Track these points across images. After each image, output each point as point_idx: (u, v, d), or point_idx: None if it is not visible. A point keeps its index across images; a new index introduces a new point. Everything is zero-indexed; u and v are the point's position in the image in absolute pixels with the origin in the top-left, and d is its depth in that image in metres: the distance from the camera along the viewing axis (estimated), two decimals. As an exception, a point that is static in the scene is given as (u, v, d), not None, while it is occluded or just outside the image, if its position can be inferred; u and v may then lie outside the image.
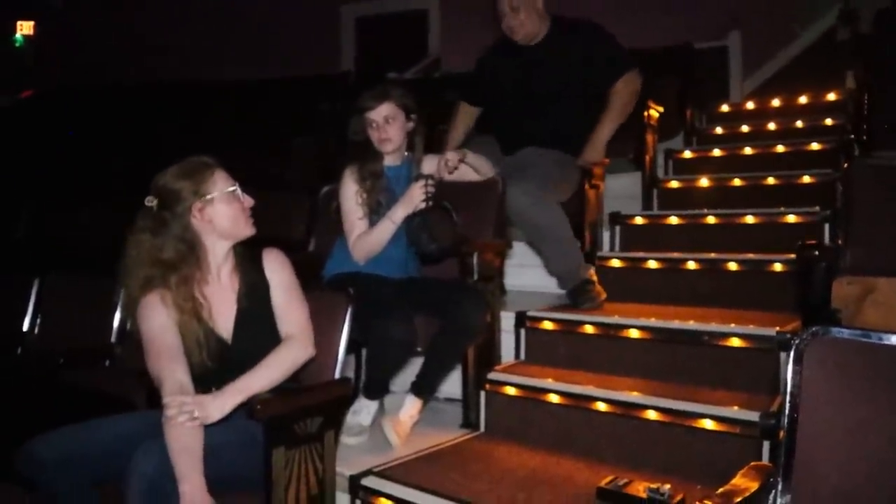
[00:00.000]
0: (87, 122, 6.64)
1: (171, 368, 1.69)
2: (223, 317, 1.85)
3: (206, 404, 1.63)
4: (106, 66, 7.83)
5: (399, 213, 2.29)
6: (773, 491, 1.29)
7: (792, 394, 1.32)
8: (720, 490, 1.18)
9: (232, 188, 1.86)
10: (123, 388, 2.19)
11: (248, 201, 1.89)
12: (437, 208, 2.25)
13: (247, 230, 1.89)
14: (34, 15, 8.87)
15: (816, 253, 1.85)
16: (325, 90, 5.91)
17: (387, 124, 2.35)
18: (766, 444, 1.84)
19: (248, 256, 1.93)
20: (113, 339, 2.72)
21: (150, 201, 1.81)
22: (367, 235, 2.35)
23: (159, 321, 1.75)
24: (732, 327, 2.19)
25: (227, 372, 1.74)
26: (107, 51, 7.97)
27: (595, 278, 2.76)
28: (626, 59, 2.91)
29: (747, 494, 1.19)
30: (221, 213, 1.83)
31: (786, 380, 1.32)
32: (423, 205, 2.26)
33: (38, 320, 3.05)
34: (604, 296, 2.72)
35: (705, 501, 1.14)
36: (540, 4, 2.83)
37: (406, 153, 2.48)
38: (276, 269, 1.92)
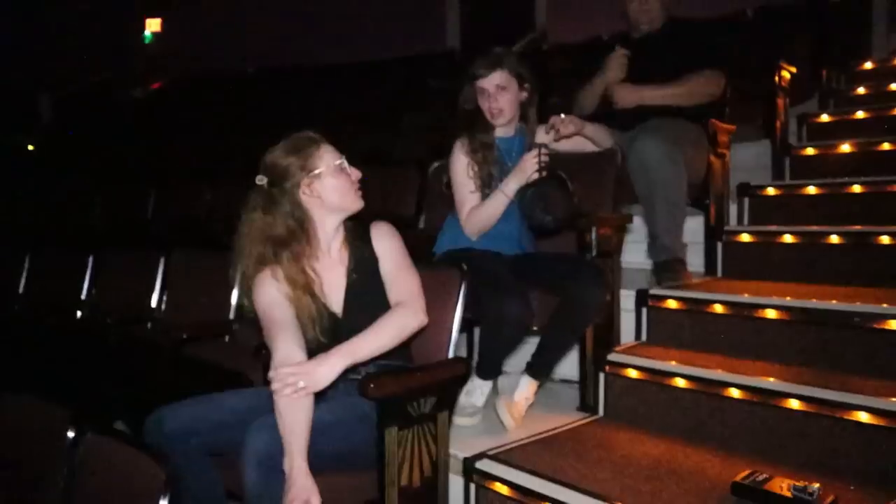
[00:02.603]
0: (210, 108, 6.96)
1: (281, 341, 1.68)
2: (334, 291, 1.84)
3: (311, 371, 1.59)
4: (226, 55, 8.18)
5: (511, 184, 2.19)
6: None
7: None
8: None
9: (339, 161, 1.83)
10: (241, 364, 2.23)
11: (356, 174, 1.86)
12: (551, 178, 2.12)
13: (356, 203, 1.86)
14: (160, 12, 9.42)
15: None
16: (431, 67, 5.88)
17: (499, 93, 2.25)
18: (933, 442, 1.62)
19: (357, 231, 1.90)
20: (231, 316, 2.81)
21: (261, 179, 1.81)
22: (479, 209, 2.26)
23: (272, 296, 1.75)
24: (890, 308, 1.93)
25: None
26: (226, 41, 8.33)
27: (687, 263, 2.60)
28: (723, 60, 2.78)
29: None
30: (330, 186, 1.81)
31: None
32: (536, 175, 2.14)
33: (165, 296, 3.20)
34: (689, 280, 2.55)
35: None
36: None
37: (519, 124, 2.36)
38: (385, 241, 1.89)
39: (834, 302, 2.06)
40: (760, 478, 1.64)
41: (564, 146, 2.37)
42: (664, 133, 2.50)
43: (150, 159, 5.97)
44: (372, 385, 1.63)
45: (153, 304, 3.20)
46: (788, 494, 1.56)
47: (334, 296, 1.83)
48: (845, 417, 1.75)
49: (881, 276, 2.34)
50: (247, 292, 1.82)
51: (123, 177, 5.61)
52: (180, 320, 2.97)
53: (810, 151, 3.27)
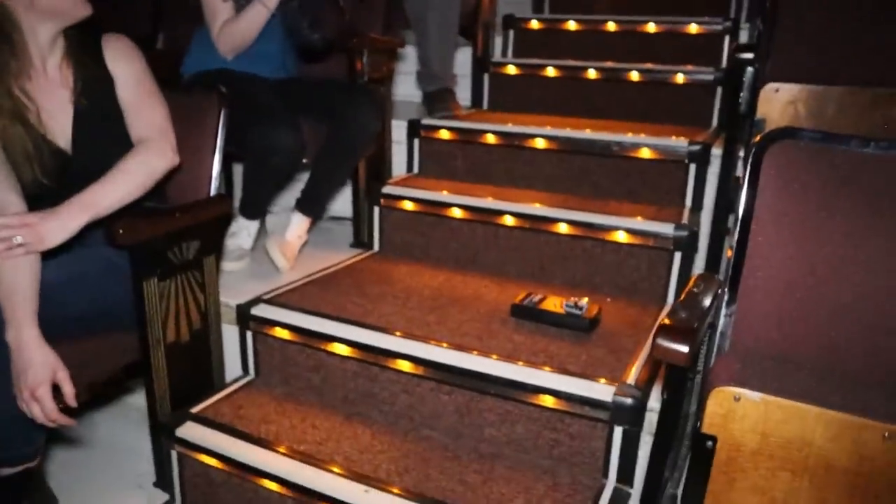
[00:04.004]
0: None
1: None
2: (57, 121, 1.45)
3: (36, 226, 1.28)
4: None
5: None
6: (720, 303, 1.22)
7: (748, 202, 1.21)
8: (680, 305, 1.09)
9: None
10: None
11: None
12: None
13: (79, 7, 1.44)
14: None
15: (749, 56, 1.71)
16: None
17: None
18: (677, 256, 1.81)
19: (85, 45, 1.50)
20: None
21: None
22: (234, 23, 1.93)
23: (-34, 128, 1.33)
24: (643, 138, 2.07)
25: (70, 190, 1.37)
26: None
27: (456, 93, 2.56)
28: None
29: (704, 303, 1.11)
30: None
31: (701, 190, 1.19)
32: None
33: None
34: (459, 112, 2.52)
35: (671, 313, 1.03)
36: None
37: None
38: (123, 59, 1.53)
39: (596, 132, 2.16)
40: (536, 298, 1.72)
41: None
42: None
43: None
44: (121, 230, 1.35)
45: None
46: (561, 311, 1.65)
47: (58, 127, 1.45)
48: (606, 238, 1.88)
49: (633, 110, 2.51)
50: None
51: None
52: None
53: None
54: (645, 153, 2.05)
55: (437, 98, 2.47)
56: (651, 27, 2.73)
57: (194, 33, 2.08)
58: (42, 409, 1.24)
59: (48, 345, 1.26)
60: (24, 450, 1.33)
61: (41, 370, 1.23)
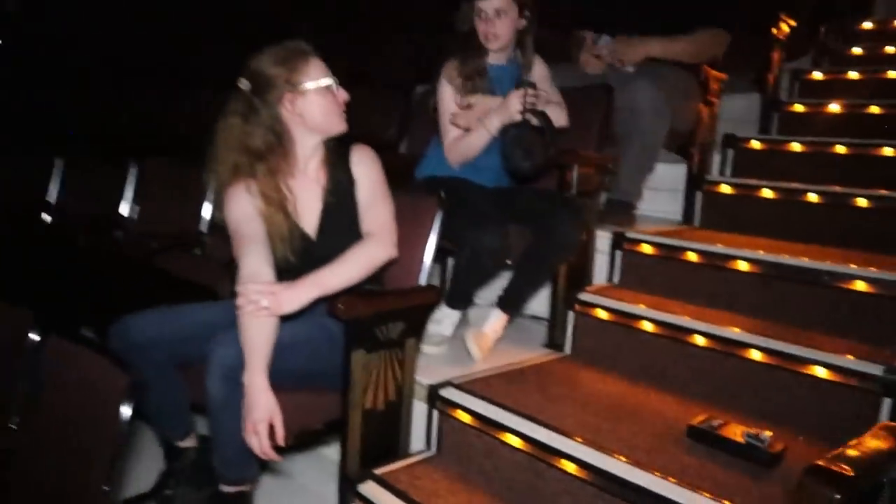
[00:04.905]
0: (192, 12, 6.66)
1: (249, 257, 1.65)
2: (309, 212, 1.80)
3: (277, 294, 1.56)
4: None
5: (495, 122, 2.13)
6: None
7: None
8: (847, 450, 1.04)
9: (327, 81, 1.75)
10: (211, 278, 2.21)
11: (343, 96, 1.79)
12: (533, 123, 2.07)
13: (339, 126, 1.80)
14: None
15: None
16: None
17: (497, 18, 2.16)
18: (886, 402, 1.66)
19: (337, 152, 1.85)
20: (203, 228, 2.76)
21: (244, 84, 1.73)
22: (461, 140, 2.22)
23: (244, 210, 1.71)
24: (857, 269, 1.96)
25: (309, 268, 1.68)
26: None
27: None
28: (731, 18, 2.73)
29: (876, 457, 1.05)
30: (314, 105, 1.74)
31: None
32: (518, 117, 2.08)
33: (137, 206, 3.14)
34: (631, 226, 2.55)
35: (831, 457, 1.00)
36: None
37: (513, 53, 2.28)
38: (364, 166, 1.84)
39: (805, 259, 2.08)
40: (716, 423, 1.68)
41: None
42: (661, 82, 2.48)
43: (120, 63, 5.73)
44: (341, 305, 1.62)
45: (124, 212, 3.14)
46: (741, 440, 1.60)
47: (308, 216, 1.80)
48: (802, 371, 1.79)
49: (855, 238, 2.36)
50: (219, 202, 1.78)
51: (99, 80, 5.39)
52: (151, 230, 2.92)
53: (799, 108, 3.24)
54: (859, 285, 1.93)
55: (614, 209, 2.57)
56: (888, 151, 2.57)
57: (430, 142, 2.41)
58: (259, 442, 1.51)
59: (271, 391, 1.53)
60: (243, 473, 1.62)
61: (263, 411, 1.51)
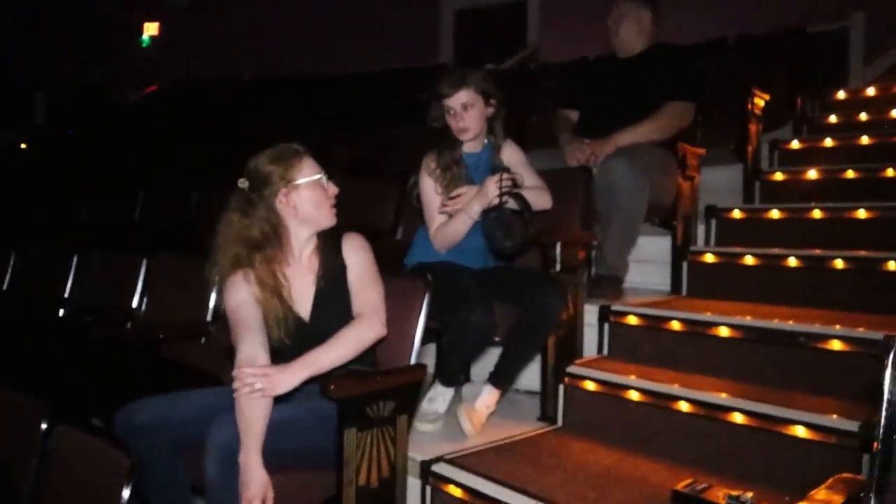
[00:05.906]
0: (203, 114, 7.04)
1: (246, 342, 1.76)
2: (302, 297, 1.91)
3: (271, 376, 1.66)
4: (223, 61, 8.29)
5: (475, 207, 2.24)
6: (864, 507, 1.17)
7: (890, 400, 1.20)
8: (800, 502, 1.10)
9: (317, 176, 1.90)
10: (215, 364, 2.30)
11: (333, 190, 1.94)
12: (512, 202, 2.20)
13: (328, 219, 1.93)
14: (159, 16, 9.52)
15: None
16: (423, 82, 5.97)
17: (465, 112, 2.31)
18: (865, 458, 1.70)
19: (330, 240, 1.98)
20: (208, 317, 2.87)
21: (243, 183, 1.89)
22: (445, 227, 2.34)
23: (241, 297, 1.83)
24: (832, 329, 2.03)
25: (304, 350, 1.78)
26: (223, 48, 8.43)
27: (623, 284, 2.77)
28: (699, 87, 2.95)
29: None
30: (305, 199, 1.89)
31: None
32: (496, 200, 2.21)
33: (146, 298, 3.27)
34: (619, 299, 2.66)
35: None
36: (646, 22, 2.92)
37: (486, 139, 2.43)
38: (355, 252, 1.97)
39: (790, 322, 2.15)
40: (700, 487, 1.72)
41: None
42: (636, 159, 2.60)
43: (141, 162, 6.04)
44: (332, 386, 1.71)
45: (134, 304, 3.26)
46: (723, 503, 1.64)
47: (302, 301, 1.91)
48: (784, 432, 1.83)
49: (835, 299, 2.44)
50: (220, 291, 1.90)
51: (114, 179, 5.67)
52: (159, 321, 3.03)
53: (779, 176, 3.38)
54: (835, 345, 2.00)
55: (601, 284, 2.66)
56: (862, 213, 2.68)
57: (417, 230, 2.54)
58: None
59: (265, 470, 1.61)
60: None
61: (257, 488, 1.59)
